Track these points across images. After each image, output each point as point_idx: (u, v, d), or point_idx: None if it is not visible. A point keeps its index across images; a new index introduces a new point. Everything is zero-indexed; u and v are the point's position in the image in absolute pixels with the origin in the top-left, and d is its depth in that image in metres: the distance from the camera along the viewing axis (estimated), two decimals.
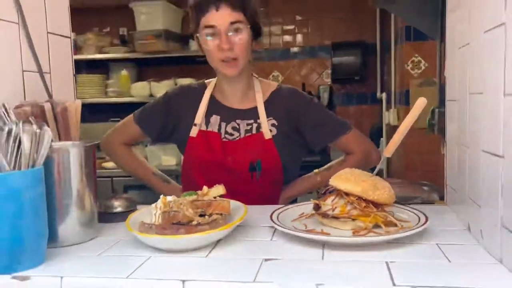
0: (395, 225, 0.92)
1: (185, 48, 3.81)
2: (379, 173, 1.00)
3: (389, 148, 0.96)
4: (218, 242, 0.93)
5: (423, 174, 3.14)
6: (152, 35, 3.68)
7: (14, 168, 0.83)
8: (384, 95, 3.55)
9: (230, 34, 1.34)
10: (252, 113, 1.47)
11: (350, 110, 3.90)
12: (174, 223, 0.90)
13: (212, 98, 1.51)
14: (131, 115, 1.58)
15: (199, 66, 2.79)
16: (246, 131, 1.46)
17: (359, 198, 0.92)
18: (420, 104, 0.93)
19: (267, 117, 1.46)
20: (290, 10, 3.95)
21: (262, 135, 1.44)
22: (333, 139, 1.49)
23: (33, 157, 0.85)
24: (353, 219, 0.92)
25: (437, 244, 0.88)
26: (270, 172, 1.44)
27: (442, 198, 2.08)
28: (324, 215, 0.94)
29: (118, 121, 1.61)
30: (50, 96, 1.18)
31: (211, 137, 1.46)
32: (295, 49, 3.97)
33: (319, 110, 1.51)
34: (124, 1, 3.77)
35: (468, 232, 0.94)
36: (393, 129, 3.41)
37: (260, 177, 1.43)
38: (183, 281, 0.74)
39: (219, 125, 1.48)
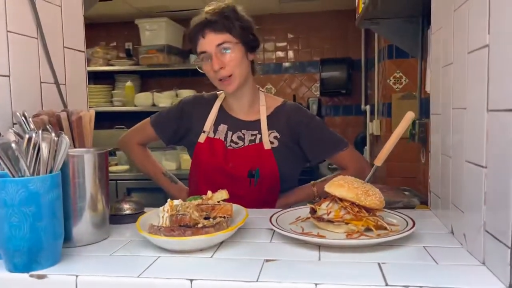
0: (385, 228, 0.92)
1: (185, 62, 3.81)
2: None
3: (380, 157, 0.96)
4: (222, 243, 0.92)
5: (403, 180, 3.16)
6: (155, 49, 3.68)
7: (33, 173, 0.82)
8: (368, 107, 3.57)
9: (221, 54, 1.36)
10: (256, 125, 1.48)
11: (336, 120, 3.91)
12: (181, 225, 0.89)
13: (221, 108, 1.53)
14: (148, 118, 1.61)
15: (198, 78, 2.80)
16: (250, 141, 1.47)
17: (352, 203, 0.92)
18: (408, 117, 0.94)
19: (270, 129, 1.47)
20: (282, 28, 3.97)
21: (262, 146, 1.45)
22: (331, 155, 1.50)
23: (51, 163, 0.84)
24: (347, 223, 0.92)
25: (424, 246, 0.88)
26: (267, 179, 1.44)
27: (422, 203, 2.09)
28: (320, 219, 0.94)
29: (123, 128, 1.63)
30: (65, 105, 1.17)
31: (216, 144, 1.46)
32: (286, 64, 3.98)
33: (319, 127, 1.51)
34: (130, 18, 3.77)
35: (452, 236, 0.94)
36: (376, 138, 3.43)
37: (257, 183, 1.42)
38: (191, 280, 0.74)
39: (226, 134, 1.49)
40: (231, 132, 1.48)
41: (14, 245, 0.77)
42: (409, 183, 2.64)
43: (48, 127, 0.95)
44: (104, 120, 3.93)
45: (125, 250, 0.90)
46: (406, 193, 2.37)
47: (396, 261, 0.80)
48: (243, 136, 1.47)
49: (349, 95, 3.83)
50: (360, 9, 2.18)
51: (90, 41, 4.12)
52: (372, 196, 0.92)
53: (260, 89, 1.55)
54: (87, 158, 0.94)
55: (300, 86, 3.95)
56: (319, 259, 0.82)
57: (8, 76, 1.00)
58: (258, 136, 1.46)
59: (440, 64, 1.05)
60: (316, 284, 0.70)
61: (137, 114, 3.30)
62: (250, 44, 1.42)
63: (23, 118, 0.93)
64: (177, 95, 3.77)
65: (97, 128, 2.84)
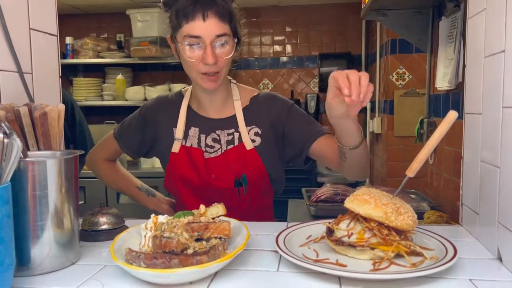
0: (419, 254, 0.73)
1: None
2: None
3: (413, 167, 0.77)
4: (216, 273, 0.73)
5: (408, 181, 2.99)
6: (147, 41, 3.46)
7: None
8: (368, 104, 3.39)
9: (218, 46, 1.12)
10: (231, 122, 1.26)
11: None
12: (166, 252, 0.69)
13: (189, 108, 1.29)
14: (111, 131, 1.38)
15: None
16: (228, 142, 1.24)
17: (380, 224, 0.73)
18: (451, 117, 0.74)
19: (250, 125, 1.25)
20: (280, 21, 3.76)
21: (243, 146, 1.22)
22: (321, 134, 1.23)
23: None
24: (372, 248, 0.73)
25: (470, 280, 0.69)
26: (257, 183, 1.23)
27: (433, 208, 1.91)
28: (338, 242, 0.75)
29: (113, 123, 1.40)
30: (31, 99, 0.96)
31: (194, 154, 1.24)
32: (284, 59, 3.78)
33: (301, 112, 1.30)
34: (122, 8, 3.55)
35: (500, 263, 0.76)
36: (376, 136, 3.25)
37: (247, 191, 1.22)
38: None
39: (199, 138, 1.26)
40: (204, 135, 1.26)
41: None
42: (414, 184, 2.46)
43: (3, 125, 0.75)
44: (93, 115, 3.71)
45: (95, 281, 0.70)
46: (413, 196, 2.19)
47: None
48: (218, 138, 1.25)
49: None
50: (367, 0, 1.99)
51: (80, 32, 3.93)
52: (404, 215, 0.73)
53: (232, 80, 1.32)
54: (51, 165, 0.74)
55: (298, 82, 3.75)
56: None
57: None
58: (236, 134, 1.24)
59: (481, 53, 0.86)
60: None
61: (128, 108, 3.08)
62: (239, 41, 1.21)
63: None
64: (170, 90, 3.55)
65: (87, 123, 2.64)
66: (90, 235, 0.92)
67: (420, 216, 1.72)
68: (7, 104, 0.84)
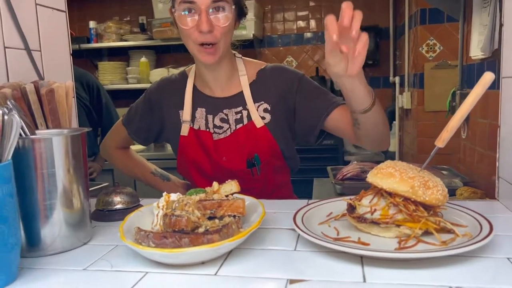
0: (451, 232, 0.67)
1: None
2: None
3: (443, 136, 0.70)
4: (230, 252, 0.69)
5: (438, 157, 2.86)
6: (169, 22, 3.42)
7: None
8: (397, 79, 3.24)
9: (213, 13, 1.04)
10: (238, 99, 1.18)
11: None
12: (176, 231, 0.66)
13: (194, 88, 1.22)
14: (121, 118, 1.34)
15: None
16: (237, 121, 1.18)
17: (406, 199, 0.67)
18: (487, 79, 0.66)
19: (258, 101, 1.18)
20: None
21: (253, 125, 1.16)
22: (335, 105, 1.15)
23: (1, 150, 0.62)
24: (398, 225, 0.67)
25: (508, 258, 0.62)
26: (270, 162, 1.17)
27: (466, 184, 1.81)
28: (360, 219, 0.69)
29: None
30: (41, 77, 0.94)
31: (203, 137, 1.18)
32: (308, 35, 3.66)
33: (312, 83, 1.21)
34: None
35: None
36: (405, 112, 3.12)
37: (261, 171, 1.17)
38: None
39: (206, 119, 1.20)
40: (212, 116, 1.19)
41: None
42: (445, 161, 2.35)
43: (8, 102, 0.73)
44: (119, 98, 3.73)
45: (105, 262, 0.68)
46: (445, 172, 2.09)
47: (476, 284, 0.55)
48: (226, 117, 1.18)
49: (377, 66, 3.50)
50: None
51: (103, 16, 3.92)
52: (433, 188, 0.66)
53: (237, 54, 1.24)
54: (57, 142, 0.71)
55: (324, 58, 3.64)
56: (364, 279, 0.58)
57: None
58: (244, 112, 1.17)
59: None
60: None
61: None
62: (241, 10, 1.13)
63: None
64: None
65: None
66: (104, 215, 0.90)
67: (452, 192, 1.63)
68: (14, 82, 0.82)
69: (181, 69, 3.85)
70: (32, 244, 0.71)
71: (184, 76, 1.27)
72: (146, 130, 1.29)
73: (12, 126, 0.62)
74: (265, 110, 1.17)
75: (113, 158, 1.40)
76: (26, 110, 0.80)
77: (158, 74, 3.58)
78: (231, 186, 0.79)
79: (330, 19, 0.77)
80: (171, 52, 3.88)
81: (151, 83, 3.56)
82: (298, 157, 1.28)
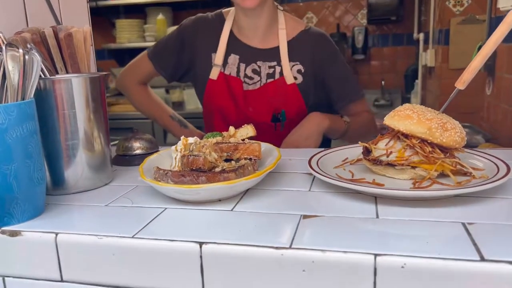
0: (467, 174, 0.67)
1: None
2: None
3: (464, 77, 0.69)
4: (246, 192, 0.71)
5: (458, 116, 2.81)
6: None
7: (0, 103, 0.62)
8: (421, 35, 3.14)
9: None
10: (274, 54, 1.18)
11: (384, 52, 3.51)
12: (194, 169, 0.68)
13: (230, 33, 1.21)
14: (145, 51, 1.31)
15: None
16: (268, 75, 1.17)
17: (422, 140, 0.67)
18: (511, 18, 0.64)
19: (294, 60, 1.17)
20: None
21: (283, 81, 1.15)
22: (357, 98, 1.22)
23: (23, 89, 0.64)
24: (413, 167, 0.67)
25: None
26: (295, 121, 1.18)
27: (488, 141, 1.79)
28: (376, 162, 0.70)
29: None
30: (58, 23, 0.95)
31: (233, 84, 1.17)
32: None
33: (345, 65, 1.23)
34: None
35: None
36: (429, 70, 3.04)
37: (284, 127, 1.18)
38: (201, 243, 0.53)
39: (238, 67, 1.19)
40: (244, 65, 1.18)
41: None
42: (468, 119, 2.30)
43: (28, 45, 0.74)
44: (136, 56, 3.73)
45: (126, 199, 0.71)
46: (466, 130, 2.06)
47: (489, 221, 0.55)
48: (258, 69, 1.18)
49: (400, 22, 3.39)
50: None
51: None
52: (451, 130, 0.66)
53: (279, 6, 1.22)
54: (76, 84, 0.73)
55: (345, 14, 3.53)
56: (377, 215, 0.59)
57: None
58: (278, 68, 1.17)
59: None
60: (375, 255, 0.48)
61: None
62: None
63: None
64: None
65: None
66: (124, 159, 0.93)
67: None
68: (33, 27, 0.83)
69: None
70: (57, 183, 0.75)
71: (220, 18, 1.24)
72: (174, 66, 1.27)
73: (33, 65, 0.64)
74: (299, 71, 1.17)
75: (131, 93, 1.36)
76: (46, 55, 0.81)
77: None
78: (247, 130, 0.80)
79: None
80: (188, 9, 3.82)
81: None
82: None
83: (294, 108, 1.17)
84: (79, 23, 1.02)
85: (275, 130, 1.18)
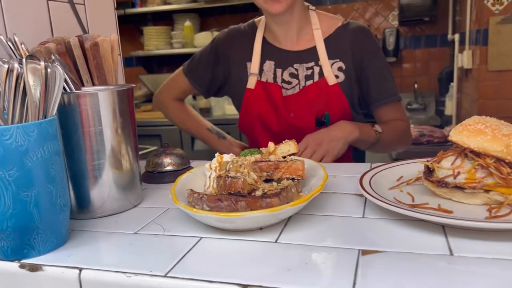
0: None
1: None
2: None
3: None
4: (289, 218, 0.62)
5: None
6: None
7: (21, 121, 0.55)
8: (457, 36, 2.99)
9: None
10: (311, 54, 1.11)
11: (417, 54, 3.36)
12: (231, 193, 0.60)
13: (263, 40, 1.16)
14: (181, 67, 1.28)
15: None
16: (307, 77, 1.11)
17: (498, 160, 0.57)
18: None
19: (333, 58, 1.10)
20: None
21: (325, 81, 1.08)
22: (394, 100, 1.13)
23: (45, 106, 0.57)
24: (487, 190, 0.57)
25: None
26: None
27: None
28: (441, 184, 0.60)
29: None
30: (85, 32, 0.89)
31: (272, 91, 1.11)
32: None
33: (386, 62, 1.14)
34: None
35: None
36: (465, 72, 2.89)
37: None
38: (245, 286, 0.45)
39: (274, 73, 1.13)
40: (281, 70, 1.12)
41: None
42: None
43: (52, 57, 0.68)
44: (164, 64, 3.72)
45: (157, 225, 0.63)
46: None
47: None
48: (296, 73, 1.11)
49: (434, 23, 3.23)
50: None
51: None
52: None
53: (310, 6, 1.16)
54: (103, 98, 0.67)
55: (375, 16, 3.40)
56: (450, 251, 0.49)
57: None
58: (316, 69, 1.10)
59: None
60: None
61: None
62: None
63: (9, 44, 0.66)
64: None
65: (158, 73, 2.64)
66: (154, 176, 0.86)
67: None
68: (58, 37, 0.77)
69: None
70: (82, 206, 0.68)
71: (253, 27, 1.21)
72: (210, 81, 1.24)
73: (55, 79, 0.57)
74: (340, 69, 1.09)
75: (168, 109, 1.35)
76: (72, 66, 0.75)
77: (203, 38, 3.51)
78: (289, 146, 0.72)
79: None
80: (215, 15, 3.78)
81: (195, 47, 3.51)
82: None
83: (338, 110, 1.10)
84: (106, 32, 0.97)
85: None
